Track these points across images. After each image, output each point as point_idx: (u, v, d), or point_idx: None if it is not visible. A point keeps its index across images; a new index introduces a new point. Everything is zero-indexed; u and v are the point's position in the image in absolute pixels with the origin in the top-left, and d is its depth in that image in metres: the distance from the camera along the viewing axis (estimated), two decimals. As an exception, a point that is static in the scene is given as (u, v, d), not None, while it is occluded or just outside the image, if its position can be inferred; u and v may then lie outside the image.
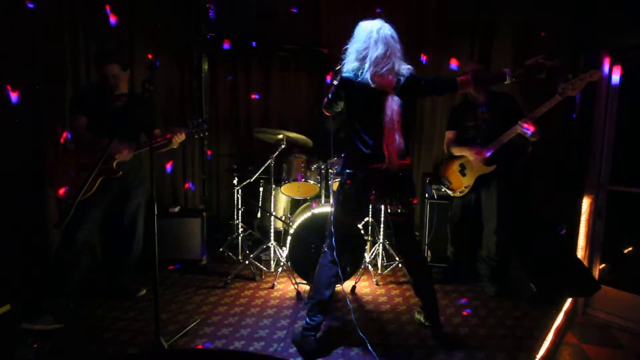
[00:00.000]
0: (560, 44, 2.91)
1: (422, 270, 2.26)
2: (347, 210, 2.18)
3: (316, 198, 3.31)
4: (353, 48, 2.03)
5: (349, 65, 2.04)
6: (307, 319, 2.17)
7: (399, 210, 2.14)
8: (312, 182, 3.18)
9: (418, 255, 2.27)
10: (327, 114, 2.28)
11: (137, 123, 2.59)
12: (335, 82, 2.09)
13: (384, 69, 1.96)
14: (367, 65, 1.96)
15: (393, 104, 1.96)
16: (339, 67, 2.10)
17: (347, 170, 2.14)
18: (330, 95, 2.15)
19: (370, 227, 3.44)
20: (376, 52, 1.94)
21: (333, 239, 2.13)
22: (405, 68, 2.04)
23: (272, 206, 3.30)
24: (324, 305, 2.18)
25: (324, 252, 2.19)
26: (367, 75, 1.96)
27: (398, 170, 2.07)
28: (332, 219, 2.17)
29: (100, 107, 2.50)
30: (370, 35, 1.96)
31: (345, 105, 2.11)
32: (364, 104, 2.03)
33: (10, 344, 2.12)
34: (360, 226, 2.95)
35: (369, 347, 2.12)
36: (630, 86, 2.62)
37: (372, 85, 1.97)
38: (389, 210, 2.19)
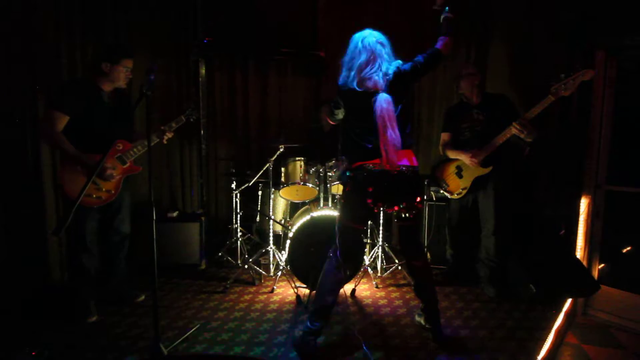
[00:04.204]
0: (556, 44, 2.92)
1: (424, 272, 2.28)
2: (350, 213, 2.20)
3: (315, 201, 3.30)
4: (343, 60, 2.17)
5: (341, 75, 2.17)
6: (309, 324, 2.16)
7: (403, 215, 2.15)
8: (310, 185, 3.18)
9: (421, 257, 2.28)
10: (332, 122, 2.40)
11: (125, 121, 2.55)
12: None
13: (368, 74, 2.05)
14: (353, 74, 2.09)
15: (382, 102, 2.02)
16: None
17: (348, 173, 2.18)
18: (332, 105, 2.28)
19: (369, 230, 3.43)
20: (359, 60, 2.07)
21: (338, 243, 2.14)
22: (393, 66, 2.10)
23: (270, 210, 3.29)
24: (327, 311, 2.18)
25: (329, 257, 2.19)
26: (354, 83, 2.07)
27: (400, 172, 2.08)
28: (337, 223, 2.20)
29: (88, 106, 2.39)
30: (356, 46, 2.10)
31: (345, 114, 2.22)
32: (354, 108, 2.14)
33: (9, 352, 2.10)
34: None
35: (366, 350, 2.14)
36: (628, 85, 2.64)
37: (358, 90, 2.07)
38: (393, 214, 2.19)
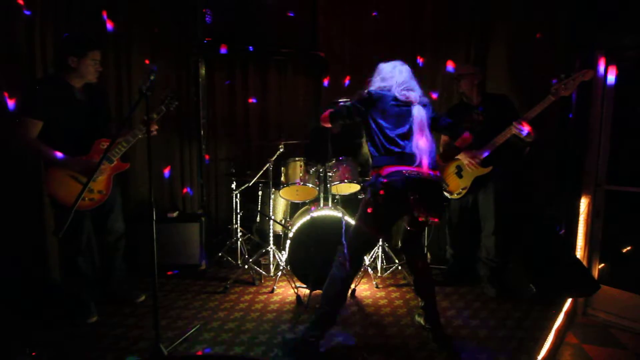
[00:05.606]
0: (556, 44, 2.93)
1: (424, 271, 2.30)
2: (376, 220, 2.11)
3: (315, 201, 3.30)
4: (379, 77, 2.25)
5: (375, 85, 2.23)
6: (311, 325, 2.16)
7: (422, 220, 2.12)
8: (310, 185, 3.17)
9: (422, 256, 2.31)
10: (327, 125, 2.30)
11: (102, 117, 2.49)
12: (346, 100, 2.28)
13: (411, 86, 2.19)
14: (394, 85, 2.18)
15: (420, 110, 2.15)
16: (366, 90, 2.23)
17: (381, 179, 2.06)
18: (345, 106, 2.20)
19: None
20: (400, 77, 2.19)
21: (346, 249, 2.14)
22: (425, 100, 2.23)
23: (270, 210, 3.29)
24: (331, 317, 2.18)
25: (340, 263, 2.16)
26: (396, 91, 2.17)
27: (429, 178, 2.09)
28: (353, 229, 2.20)
29: (60, 106, 2.30)
30: (395, 66, 2.23)
31: (373, 118, 2.16)
32: (391, 114, 2.15)
33: (9, 352, 2.10)
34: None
35: (366, 355, 2.15)
36: (627, 85, 2.64)
37: (400, 97, 2.16)
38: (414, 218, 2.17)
